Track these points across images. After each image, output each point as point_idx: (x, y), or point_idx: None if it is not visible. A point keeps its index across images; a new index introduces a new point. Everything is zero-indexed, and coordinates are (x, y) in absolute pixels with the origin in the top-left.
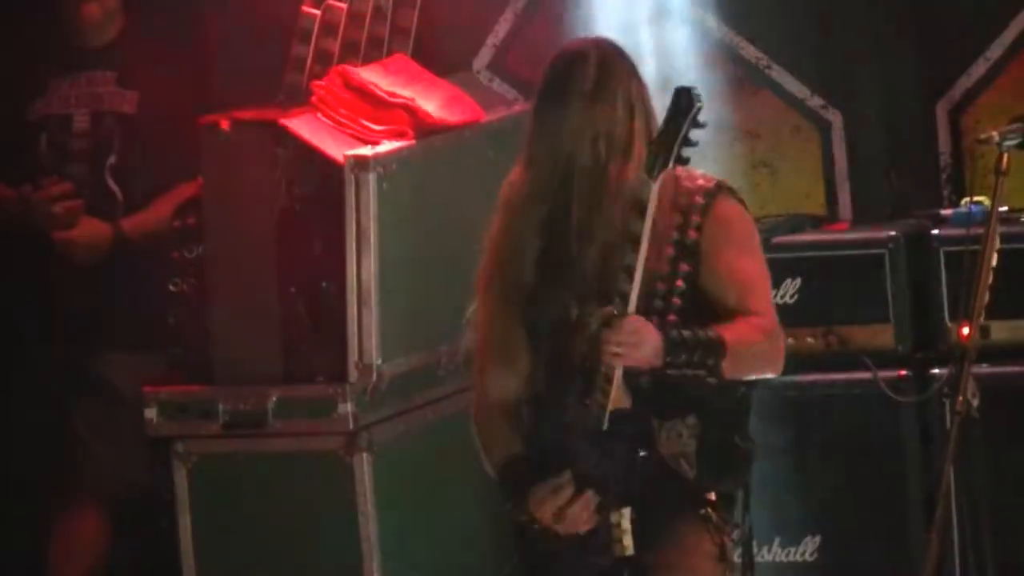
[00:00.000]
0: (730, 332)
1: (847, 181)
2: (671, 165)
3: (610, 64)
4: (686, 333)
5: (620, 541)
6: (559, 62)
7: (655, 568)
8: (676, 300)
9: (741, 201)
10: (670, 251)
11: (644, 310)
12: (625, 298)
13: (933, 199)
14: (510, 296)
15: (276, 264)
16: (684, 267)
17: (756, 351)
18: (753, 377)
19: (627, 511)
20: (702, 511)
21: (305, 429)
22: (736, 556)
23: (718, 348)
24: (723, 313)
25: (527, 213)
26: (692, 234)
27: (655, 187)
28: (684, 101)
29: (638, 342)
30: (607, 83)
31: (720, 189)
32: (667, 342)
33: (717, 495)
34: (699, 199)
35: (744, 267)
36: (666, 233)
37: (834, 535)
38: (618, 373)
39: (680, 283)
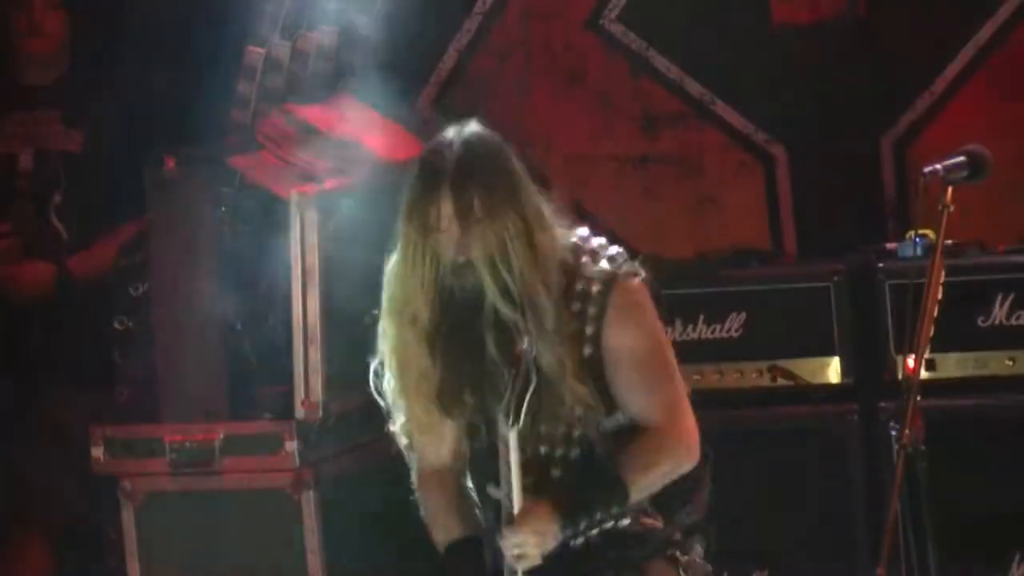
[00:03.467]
0: (630, 467)
1: (792, 215)
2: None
3: (466, 191)
4: (582, 501)
5: None
6: (416, 193)
7: None
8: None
9: (642, 281)
10: (575, 347)
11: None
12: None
13: (878, 233)
14: (419, 381)
15: (222, 301)
16: (590, 356)
17: (659, 473)
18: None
19: None
20: (668, 552)
21: (252, 467)
22: None
23: (622, 495)
24: (628, 411)
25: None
26: (590, 329)
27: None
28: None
29: (536, 543)
30: (466, 215)
31: (617, 277)
32: (564, 521)
33: (682, 533)
34: (596, 287)
35: (643, 371)
36: (568, 322)
37: (781, 569)
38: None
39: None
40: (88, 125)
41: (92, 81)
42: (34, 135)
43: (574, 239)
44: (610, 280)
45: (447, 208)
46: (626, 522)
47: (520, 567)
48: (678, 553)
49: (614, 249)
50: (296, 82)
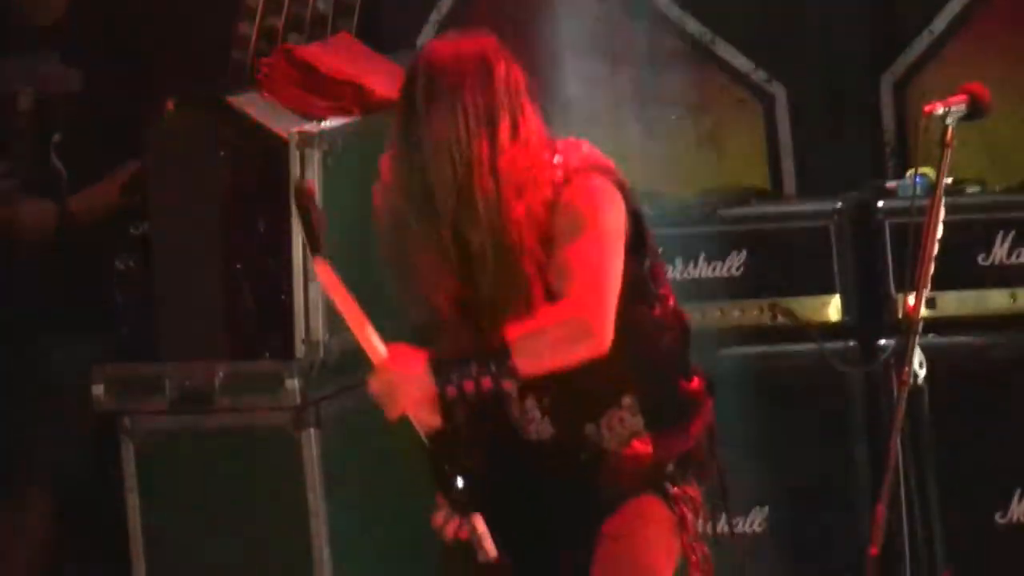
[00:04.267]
0: (520, 329)
1: (791, 154)
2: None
3: (438, 76)
4: (458, 360)
5: (482, 547)
6: (404, 76)
7: (609, 537)
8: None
9: (603, 177)
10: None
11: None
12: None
13: (878, 171)
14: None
15: (222, 241)
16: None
17: (549, 340)
18: (561, 363)
19: (478, 516)
20: (657, 483)
21: (252, 405)
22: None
23: (503, 352)
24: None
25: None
26: (544, 227)
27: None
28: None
29: (394, 388)
30: (429, 99)
31: (573, 176)
32: (434, 368)
33: (674, 465)
34: (548, 192)
35: (572, 254)
36: (529, 219)
37: (782, 507)
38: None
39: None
40: (88, 65)
41: (92, 21)
42: (34, 76)
43: (552, 141)
44: (570, 174)
45: (422, 85)
46: (614, 445)
47: (387, 413)
48: (667, 484)
49: (589, 149)
50: (296, 22)
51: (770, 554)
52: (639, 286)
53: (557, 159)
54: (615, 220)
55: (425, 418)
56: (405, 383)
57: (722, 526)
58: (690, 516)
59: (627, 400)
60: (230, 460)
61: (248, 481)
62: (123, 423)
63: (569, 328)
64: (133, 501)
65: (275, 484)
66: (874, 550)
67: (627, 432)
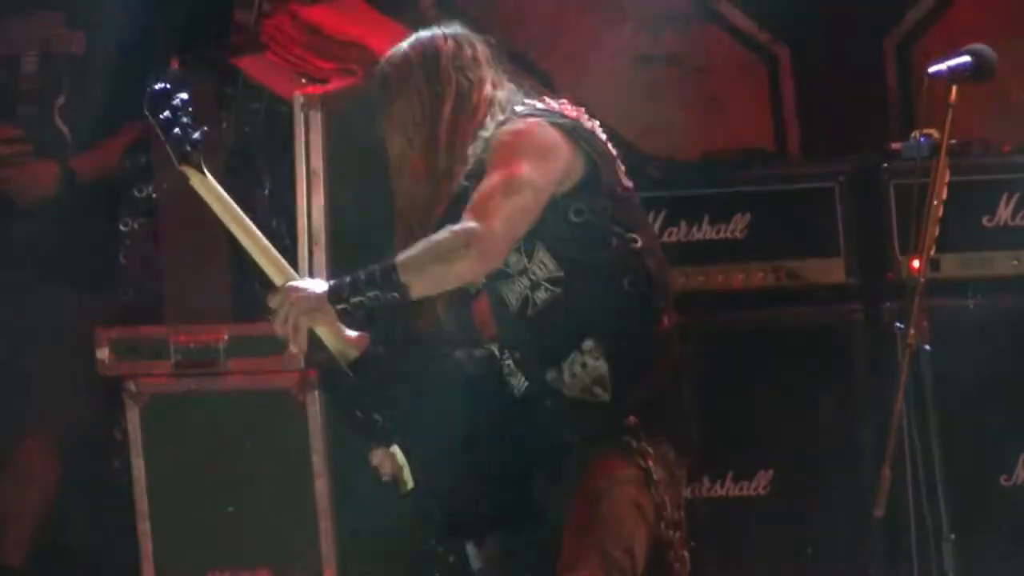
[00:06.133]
0: (409, 250)
1: (795, 115)
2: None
3: (391, 78)
4: (353, 273)
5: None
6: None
7: (578, 499)
8: None
9: (537, 119)
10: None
11: None
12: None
13: (882, 132)
14: None
15: None
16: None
17: (430, 253)
18: (450, 279)
19: (395, 448)
20: (623, 439)
21: (257, 368)
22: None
23: (389, 266)
24: None
25: None
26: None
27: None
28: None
29: (290, 303)
30: (390, 95)
31: (509, 118)
32: (331, 286)
33: (638, 420)
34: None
35: (481, 185)
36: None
37: (787, 469)
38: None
39: None
40: (91, 27)
41: None
42: (37, 37)
43: (517, 107)
44: (508, 117)
45: (380, 82)
46: (576, 391)
47: (278, 325)
48: (632, 440)
49: (543, 105)
50: None
51: (775, 516)
52: (593, 228)
53: (520, 109)
54: (535, 156)
55: (340, 345)
56: (301, 299)
57: (694, 486)
58: (657, 470)
59: (588, 344)
60: (234, 422)
61: (252, 443)
62: (128, 387)
63: (449, 241)
64: (138, 463)
65: (279, 446)
66: (879, 512)
67: (589, 378)
